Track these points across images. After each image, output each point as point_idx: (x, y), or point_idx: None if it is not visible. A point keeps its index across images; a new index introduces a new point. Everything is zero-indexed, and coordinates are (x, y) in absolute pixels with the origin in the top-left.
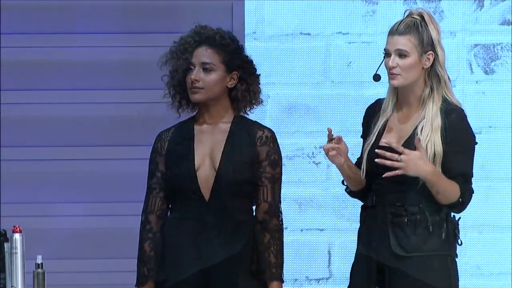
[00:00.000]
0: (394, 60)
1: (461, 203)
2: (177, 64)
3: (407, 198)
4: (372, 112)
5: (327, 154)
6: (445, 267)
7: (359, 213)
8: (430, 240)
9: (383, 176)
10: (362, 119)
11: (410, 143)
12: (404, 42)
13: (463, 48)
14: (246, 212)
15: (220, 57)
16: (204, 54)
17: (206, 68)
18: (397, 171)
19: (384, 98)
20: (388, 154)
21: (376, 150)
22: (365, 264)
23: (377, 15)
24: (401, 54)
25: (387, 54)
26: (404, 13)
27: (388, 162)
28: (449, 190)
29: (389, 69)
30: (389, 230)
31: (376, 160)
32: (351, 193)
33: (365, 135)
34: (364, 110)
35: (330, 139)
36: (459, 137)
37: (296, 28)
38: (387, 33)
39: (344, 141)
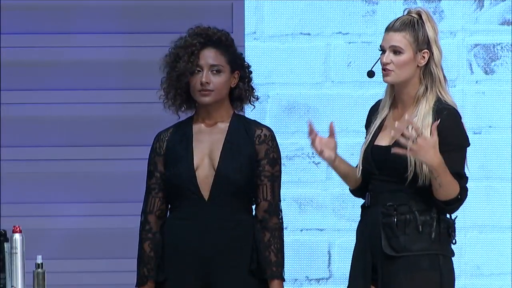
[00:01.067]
0: (388, 56)
1: (459, 200)
2: (186, 67)
3: (397, 198)
4: (373, 112)
5: (317, 151)
6: (436, 267)
7: (360, 213)
8: (419, 240)
9: (392, 151)
10: (362, 119)
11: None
12: (399, 38)
13: (463, 48)
14: (245, 211)
15: (226, 58)
16: (211, 56)
17: (215, 70)
18: (406, 151)
19: None
20: (407, 133)
21: (397, 122)
22: (361, 264)
23: (377, 15)
24: (396, 51)
25: (382, 50)
26: (404, 12)
27: (402, 140)
28: (451, 184)
29: (383, 65)
30: (381, 230)
31: (392, 133)
32: (353, 191)
33: None
34: (364, 110)
35: (311, 132)
36: (449, 137)
37: (296, 28)
38: None
39: (334, 136)
